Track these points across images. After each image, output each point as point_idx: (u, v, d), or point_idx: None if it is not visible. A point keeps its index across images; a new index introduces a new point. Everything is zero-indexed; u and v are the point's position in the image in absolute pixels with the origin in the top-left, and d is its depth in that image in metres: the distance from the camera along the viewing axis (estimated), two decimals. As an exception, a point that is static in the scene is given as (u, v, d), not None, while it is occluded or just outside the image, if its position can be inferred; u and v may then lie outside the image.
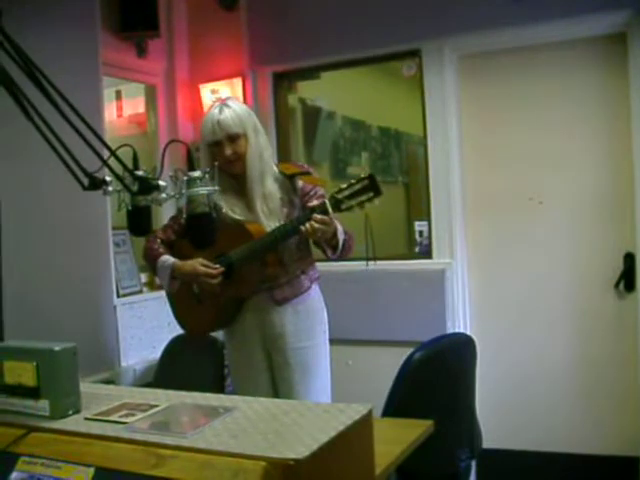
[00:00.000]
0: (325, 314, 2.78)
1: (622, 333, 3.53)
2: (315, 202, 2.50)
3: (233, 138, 2.56)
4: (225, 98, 2.74)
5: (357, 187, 2.41)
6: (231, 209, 2.63)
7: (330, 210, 2.41)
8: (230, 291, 2.63)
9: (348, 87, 4.61)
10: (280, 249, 2.62)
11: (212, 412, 1.46)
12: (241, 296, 2.67)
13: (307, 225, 2.42)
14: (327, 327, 2.77)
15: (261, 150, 2.62)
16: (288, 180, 2.67)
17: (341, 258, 2.64)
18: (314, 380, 2.69)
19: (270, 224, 2.59)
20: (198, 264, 2.58)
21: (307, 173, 2.68)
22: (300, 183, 2.66)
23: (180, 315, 2.86)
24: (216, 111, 2.58)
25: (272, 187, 2.63)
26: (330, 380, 2.76)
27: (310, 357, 2.69)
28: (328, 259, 2.66)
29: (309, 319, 2.70)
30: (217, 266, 2.58)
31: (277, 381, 2.73)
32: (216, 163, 1.91)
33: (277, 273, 2.64)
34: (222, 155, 2.55)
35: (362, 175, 2.44)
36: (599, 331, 3.58)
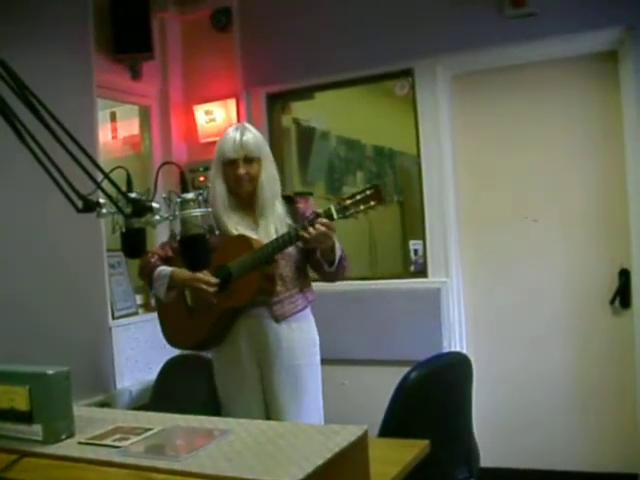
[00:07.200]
0: (317, 336, 2.80)
1: (618, 350, 3.52)
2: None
3: (250, 160, 2.66)
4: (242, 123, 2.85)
5: (363, 195, 2.47)
6: (234, 227, 2.68)
7: (335, 215, 2.45)
8: (226, 302, 2.63)
9: (342, 107, 4.63)
10: (280, 264, 2.65)
11: (206, 435, 1.45)
12: (237, 306, 2.67)
13: (310, 229, 2.46)
14: (319, 350, 2.79)
15: (274, 177, 2.73)
16: (289, 204, 2.76)
17: (336, 277, 2.67)
18: (305, 399, 2.69)
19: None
20: None
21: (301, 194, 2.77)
22: (300, 206, 2.75)
23: (168, 328, 2.85)
24: (238, 132, 2.67)
25: (281, 210, 2.72)
26: (322, 402, 2.76)
27: (303, 376, 2.70)
28: (324, 278, 2.68)
29: (303, 338, 2.72)
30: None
31: (268, 400, 2.72)
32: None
33: (275, 288, 2.65)
34: (235, 173, 2.64)
35: (367, 185, 2.52)
36: (595, 348, 3.58)
